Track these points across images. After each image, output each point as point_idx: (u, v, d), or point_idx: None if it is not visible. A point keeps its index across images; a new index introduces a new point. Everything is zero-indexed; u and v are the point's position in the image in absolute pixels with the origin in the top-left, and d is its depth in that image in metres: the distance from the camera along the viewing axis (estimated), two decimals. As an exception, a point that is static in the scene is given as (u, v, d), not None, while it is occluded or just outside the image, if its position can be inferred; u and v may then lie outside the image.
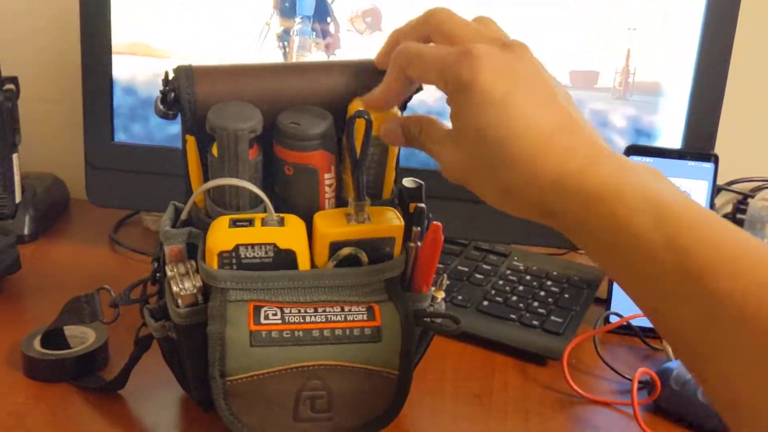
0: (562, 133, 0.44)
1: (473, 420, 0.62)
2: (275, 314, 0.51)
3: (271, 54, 0.79)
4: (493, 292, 0.78)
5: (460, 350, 0.71)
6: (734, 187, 0.96)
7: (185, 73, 0.53)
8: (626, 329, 0.73)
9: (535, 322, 0.73)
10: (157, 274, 0.57)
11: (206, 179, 0.54)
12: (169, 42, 0.81)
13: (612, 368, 0.68)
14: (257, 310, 0.51)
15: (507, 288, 0.79)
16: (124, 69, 0.82)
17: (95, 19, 0.81)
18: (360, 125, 0.52)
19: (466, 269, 0.82)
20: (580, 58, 0.77)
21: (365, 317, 0.52)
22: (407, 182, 0.59)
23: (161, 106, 0.53)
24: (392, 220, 0.54)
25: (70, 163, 0.99)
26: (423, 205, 0.56)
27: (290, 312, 0.52)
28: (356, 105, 0.53)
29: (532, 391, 0.66)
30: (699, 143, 0.77)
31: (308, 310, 0.52)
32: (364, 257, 0.54)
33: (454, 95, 0.45)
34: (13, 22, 1.01)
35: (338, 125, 0.54)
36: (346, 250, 0.53)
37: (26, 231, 0.90)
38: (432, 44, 0.48)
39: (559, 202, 0.43)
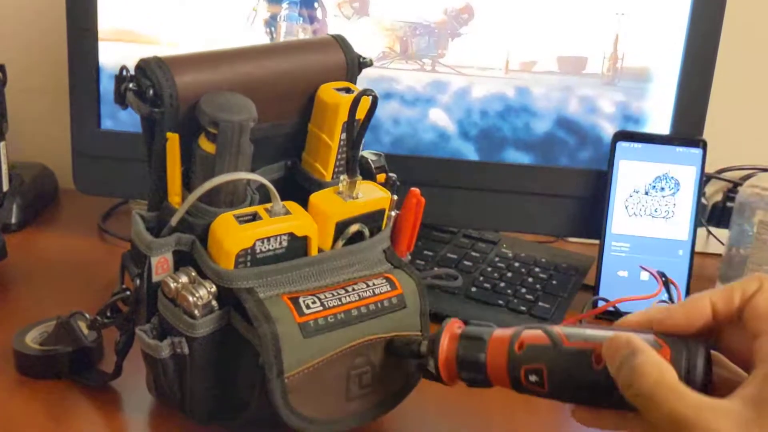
0: None
1: (460, 403, 0.62)
2: (314, 302, 0.51)
3: (258, 39, 0.79)
4: (481, 278, 0.78)
5: (448, 336, 0.71)
6: (724, 175, 0.95)
7: (157, 65, 0.50)
8: (613, 315, 0.73)
9: (523, 308, 0.73)
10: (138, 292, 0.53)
11: (188, 177, 0.52)
12: (155, 28, 0.80)
13: (599, 353, 0.68)
14: (295, 301, 0.50)
15: (495, 274, 0.78)
16: (111, 56, 0.81)
17: (81, 5, 0.80)
18: (365, 103, 0.53)
19: (455, 257, 0.81)
20: (568, 43, 0.76)
21: (388, 288, 0.54)
22: (368, 155, 0.59)
23: (143, 104, 0.50)
24: (379, 192, 0.56)
25: (59, 153, 0.98)
26: (393, 174, 0.58)
27: (326, 297, 0.51)
28: (326, 89, 0.56)
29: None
30: (687, 129, 0.77)
31: (340, 291, 0.52)
32: (367, 232, 0.55)
33: None
34: None
35: (309, 104, 0.57)
36: (354, 227, 0.54)
37: (13, 220, 0.90)
38: None
39: None
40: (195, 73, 0.51)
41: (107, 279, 0.79)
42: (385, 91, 0.78)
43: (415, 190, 0.58)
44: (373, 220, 0.56)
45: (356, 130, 0.54)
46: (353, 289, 0.53)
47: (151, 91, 0.50)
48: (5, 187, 0.90)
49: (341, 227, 0.54)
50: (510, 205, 0.80)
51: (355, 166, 0.55)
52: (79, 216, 0.95)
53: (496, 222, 0.82)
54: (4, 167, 0.90)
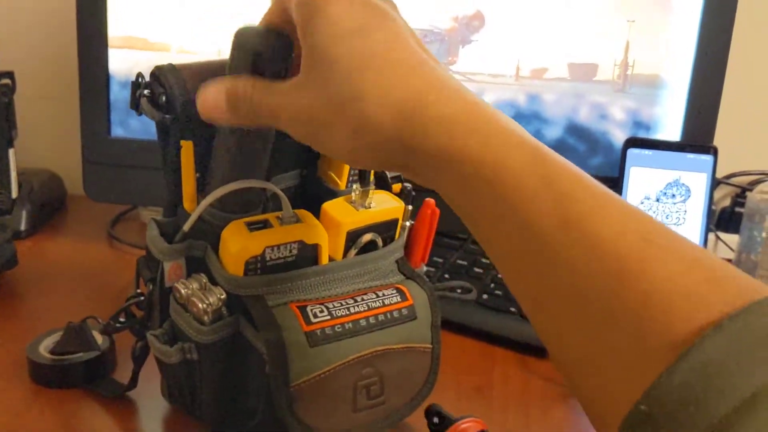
0: (422, 67, 0.40)
1: (474, 413, 0.62)
2: (322, 311, 0.50)
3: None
4: (492, 285, 0.78)
5: (460, 343, 0.71)
6: (733, 180, 0.96)
7: (171, 71, 0.50)
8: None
9: (535, 315, 0.73)
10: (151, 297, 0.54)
11: (203, 182, 0.52)
12: (166, 35, 0.80)
13: (612, 361, 0.68)
14: (302, 310, 0.50)
15: (506, 281, 0.78)
16: (121, 63, 0.81)
17: (92, 13, 0.80)
18: None
19: (465, 263, 0.82)
20: (579, 50, 0.77)
21: (399, 299, 0.53)
22: None
23: (155, 110, 0.50)
24: (393, 202, 0.56)
25: (67, 159, 0.99)
26: (408, 184, 0.58)
27: (334, 306, 0.51)
28: None
29: (532, 383, 0.66)
30: (698, 136, 0.77)
31: (349, 301, 0.52)
32: (380, 241, 0.55)
33: (307, 24, 0.41)
34: (9, 18, 1.00)
35: None
36: (367, 237, 0.54)
37: (23, 227, 0.90)
38: None
39: (419, 137, 0.38)
40: (208, 79, 0.51)
41: (117, 286, 0.79)
42: (395, 98, 0.78)
43: (430, 200, 0.57)
44: (386, 230, 0.56)
45: None
46: (362, 299, 0.53)
47: (163, 98, 0.50)
48: (14, 194, 0.90)
49: (353, 236, 0.54)
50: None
51: (367, 175, 0.54)
52: (87, 222, 0.95)
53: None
54: (14, 174, 0.90)
